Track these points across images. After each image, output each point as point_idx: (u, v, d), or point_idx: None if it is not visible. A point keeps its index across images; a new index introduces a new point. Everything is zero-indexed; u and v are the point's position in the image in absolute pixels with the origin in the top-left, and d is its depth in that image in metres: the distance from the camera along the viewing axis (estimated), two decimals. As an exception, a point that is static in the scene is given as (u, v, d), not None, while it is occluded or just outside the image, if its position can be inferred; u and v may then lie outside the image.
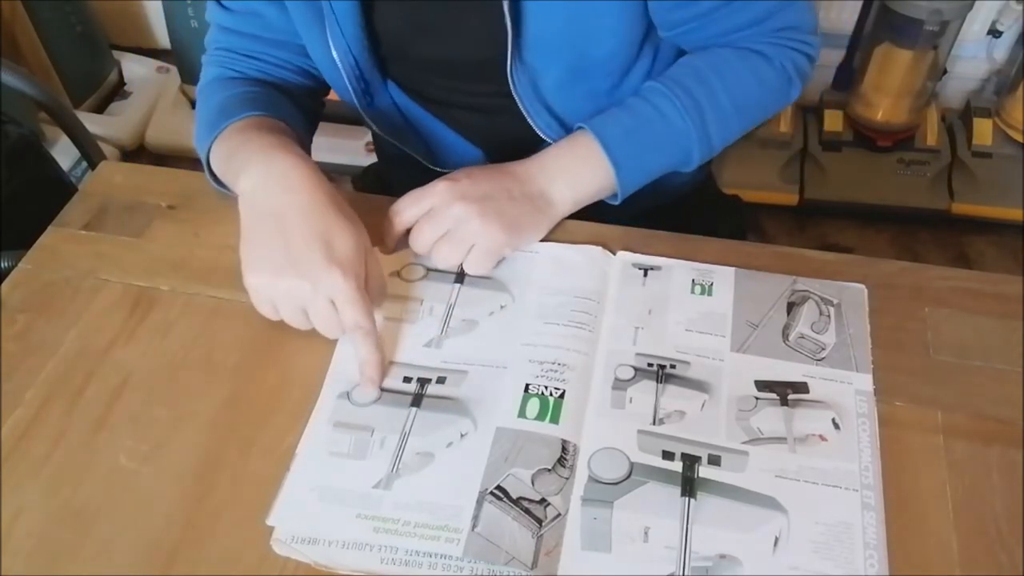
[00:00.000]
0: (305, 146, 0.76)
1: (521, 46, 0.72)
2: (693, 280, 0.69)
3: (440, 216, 0.67)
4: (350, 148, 1.76)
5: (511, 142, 0.78)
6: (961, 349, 0.65)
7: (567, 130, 0.77)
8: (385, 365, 0.62)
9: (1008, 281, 0.69)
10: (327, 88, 0.84)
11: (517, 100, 0.75)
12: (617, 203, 0.73)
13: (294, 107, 0.78)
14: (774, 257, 0.71)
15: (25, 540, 0.55)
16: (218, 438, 0.60)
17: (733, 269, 0.70)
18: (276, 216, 0.61)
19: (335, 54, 0.74)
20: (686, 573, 0.53)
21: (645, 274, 0.69)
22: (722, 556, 0.54)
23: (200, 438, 0.60)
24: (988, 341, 0.65)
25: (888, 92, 1.71)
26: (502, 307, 0.67)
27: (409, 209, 0.69)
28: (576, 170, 0.72)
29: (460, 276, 0.69)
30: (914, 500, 0.57)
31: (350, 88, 0.77)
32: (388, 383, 0.62)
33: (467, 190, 0.68)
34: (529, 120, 0.77)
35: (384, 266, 0.70)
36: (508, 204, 0.68)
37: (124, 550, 0.54)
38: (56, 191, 1.07)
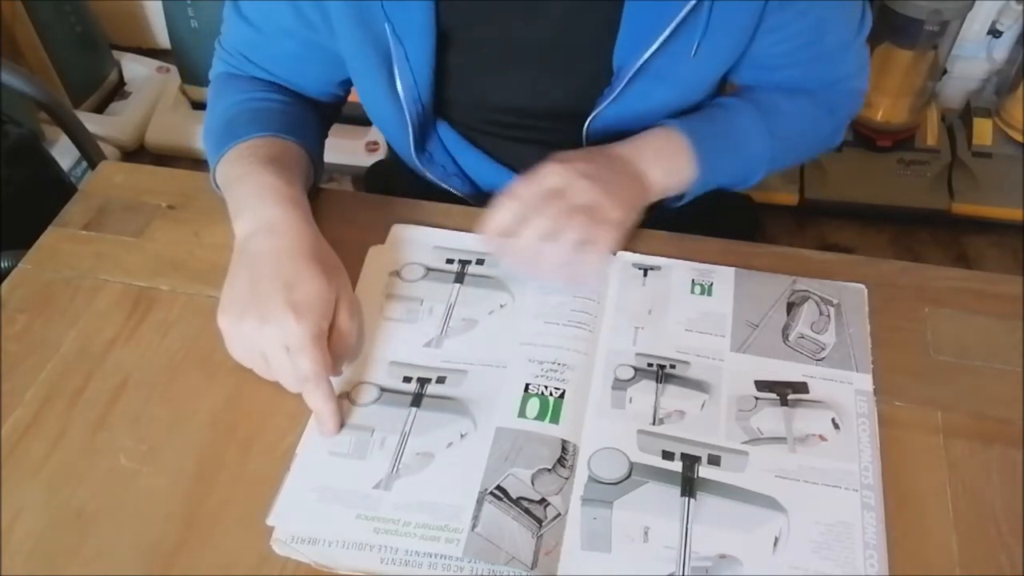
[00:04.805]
0: (315, 162, 0.75)
1: (615, 103, 0.72)
2: (693, 280, 0.69)
3: (567, 189, 0.64)
4: (350, 148, 1.76)
5: None
6: (961, 349, 0.65)
7: None
8: (340, 419, 0.59)
9: (1008, 281, 0.69)
10: (345, 97, 0.83)
11: (584, 139, 0.75)
12: (679, 204, 0.75)
13: (307, 112, 0.77)
14: (774, 257, 0.71)
15: (25, 540, 0.55)
16: (218, 438, 0.60)
17: (733, 269, 0.70)
18: (253, 261, 0.61)
19: (402, 97, 0.72)
20: (686, 573, 0.53)
21: (645, 274, 0.69)
22: (722, 556, 0.54)
23: (200, 438, 0.60)
24: (988, 341, 0.65)
25: (888, 92, 1.71)
26: (502, 306, 0.67)
27: (528, 189, 0.64)
28: (669, 159, 0.71)
29: (460, 276, 0.69)
30: (914, 500, 0.57)
31: (410, 131, 0.75)
32: (388, 383, 0.62)
33: (585, 169, 0.65)
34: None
35: (383, 266, 0.70)
36: (622, 182, 0.67)
37: (124, 550, 0.54)
38: (56, 191, 1.07)
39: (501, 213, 0.64)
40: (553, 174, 0.65)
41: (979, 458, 0.59)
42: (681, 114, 0.76)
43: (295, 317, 0.57)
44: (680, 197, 0.74)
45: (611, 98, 0.71)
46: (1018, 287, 0.69)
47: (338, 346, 0.60)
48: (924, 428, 0.60)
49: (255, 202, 0.64)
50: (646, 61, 0.68)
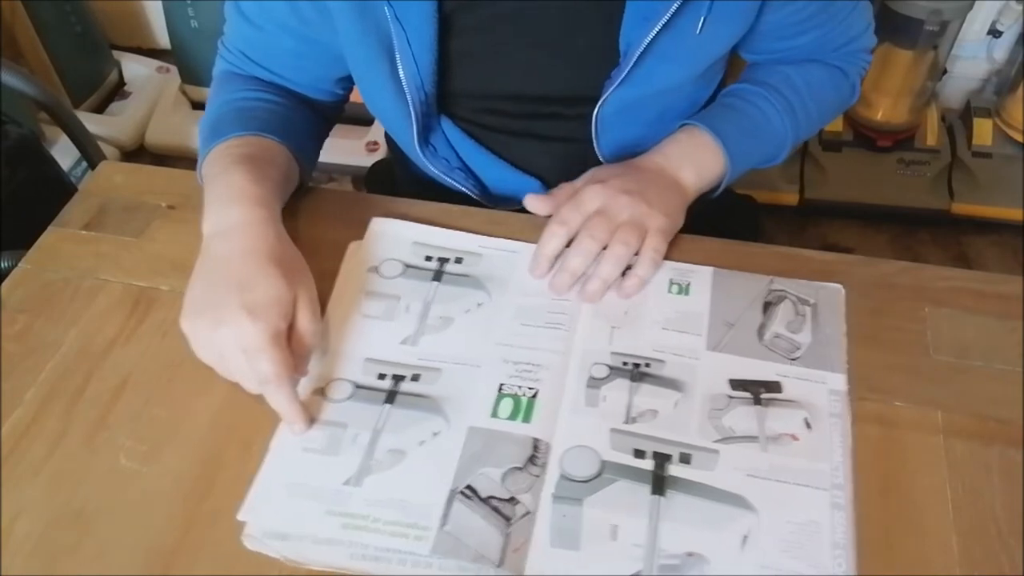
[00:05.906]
0: (301, 162, 0.74)
1: (622, 86, 0.72)
2: (671, 280, 0.69)
3: (610, 209, 0.67)
4: (350, 148, 1.76)
5: (567, 165, 0.78)
6: (961, 349, 0.65)
7: (623, 148, 0.78)
8: (308, 417, 0.59)
9: (1008, 281, 0.69)
10: (346, 97, 0.83)
11: (593, 130, 0.75)
12: (715, 195, 0.77)
13: (298, 112, 0.77)
14: (774, 257, 0.71)
15: (25, 540, 0.55)
16: (218, 438, 0.60)
17: (711, 269, 0.69)
18: (213, 263, 0.61)
19: (405, 86, 0.71)
20: (653, 572, 0.53)
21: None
22: (690, 554, 0.53)
23: (200, 438, 0.60)
24: (988, 341, 0.65)
25: (888, 92, 1.71)
26: (479, 305, 0.67)
27: (573, 214, 0.67)
28: (699, 158, 0.74)
29: (438, 274, 0.69)
30: (914, 500, 0.57)
31: (414, 123, 0.74)
32: (363, 379, 0.62)
33: (624, 185, 0.68)
34: (595, 143, 0.77)
35: (362, 262, 0.69)
36: (660, 191, 0.70)
37: (124, 550, 0.54)
38: (56, 191, 1.07)
39: (550, 241, 0.67)
40: (593, 196, 0.68)
41: (979, 458, 0.59)
42: (692, 105, 0.78)
43: (250, 319, 0.57)
44: (715, 188, 0.76)
45: (619, 80, 0.71)
46: (1018, 287, 0.69)
47: (299, 347, 0.60)
48: (924, 428, 0.60)
49: (220, 203, 0.64)
50: (652, 40, 0.68)
